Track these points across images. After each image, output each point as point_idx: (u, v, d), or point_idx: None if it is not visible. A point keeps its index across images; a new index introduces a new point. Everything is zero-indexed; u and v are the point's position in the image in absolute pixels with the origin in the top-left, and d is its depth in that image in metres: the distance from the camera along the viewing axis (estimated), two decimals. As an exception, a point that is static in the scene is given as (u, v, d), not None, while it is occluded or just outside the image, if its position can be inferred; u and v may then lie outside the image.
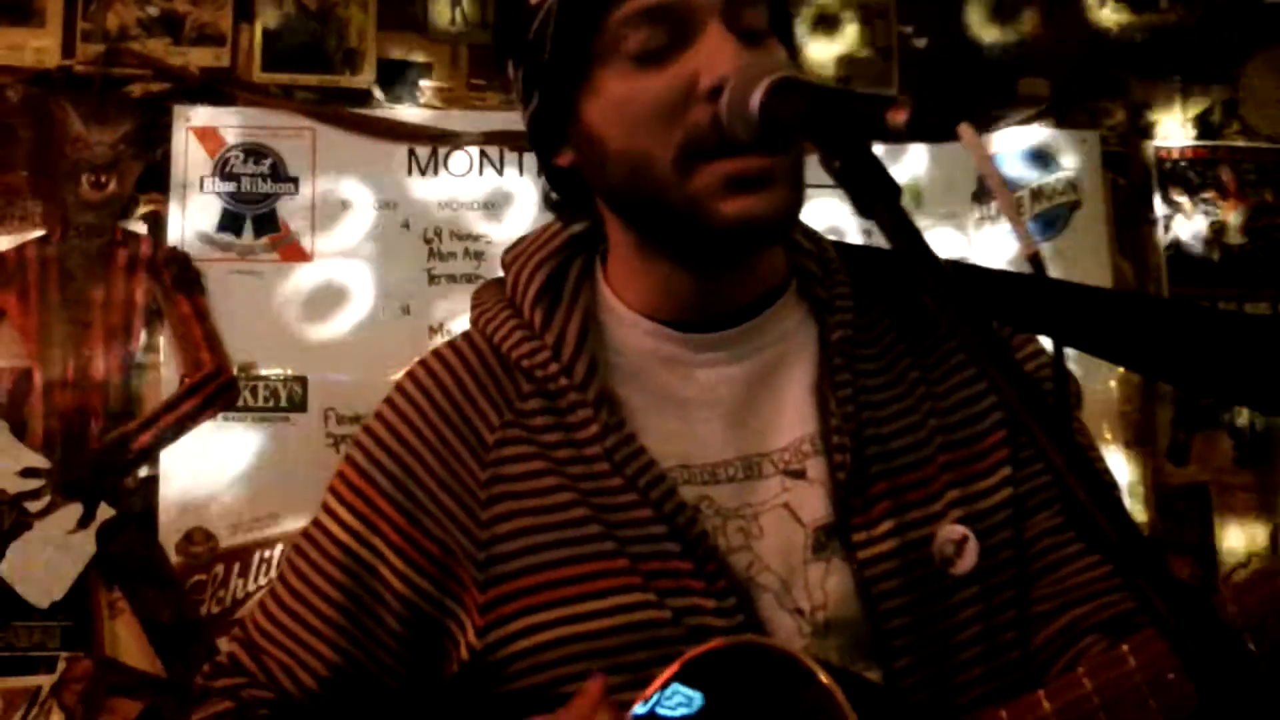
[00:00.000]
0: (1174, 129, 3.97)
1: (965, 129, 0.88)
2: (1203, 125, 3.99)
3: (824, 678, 1.08)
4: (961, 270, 1.34)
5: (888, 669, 1.19)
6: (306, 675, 1.27)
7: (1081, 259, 3.77)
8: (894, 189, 0.93)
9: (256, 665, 1.30)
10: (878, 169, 0.93)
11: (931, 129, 0.90)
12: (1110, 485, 1.30)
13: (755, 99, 1.06)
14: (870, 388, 1.26)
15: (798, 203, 1.18)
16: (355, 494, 1.27)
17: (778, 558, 1.21)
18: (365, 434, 1.30)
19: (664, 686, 1.12)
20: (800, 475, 1.23)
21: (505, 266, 1.34)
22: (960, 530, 1.21)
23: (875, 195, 0.92)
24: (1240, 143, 4.00)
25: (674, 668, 1.12)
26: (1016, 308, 1.28)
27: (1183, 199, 3.91)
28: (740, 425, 1.25)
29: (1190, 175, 3.93)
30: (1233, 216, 3.93)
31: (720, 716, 1.11)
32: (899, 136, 0.91)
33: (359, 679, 1.27)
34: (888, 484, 1.22)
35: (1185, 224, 3.90)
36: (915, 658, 1.19)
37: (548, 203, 1.34)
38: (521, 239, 1.36)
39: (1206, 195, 3.92)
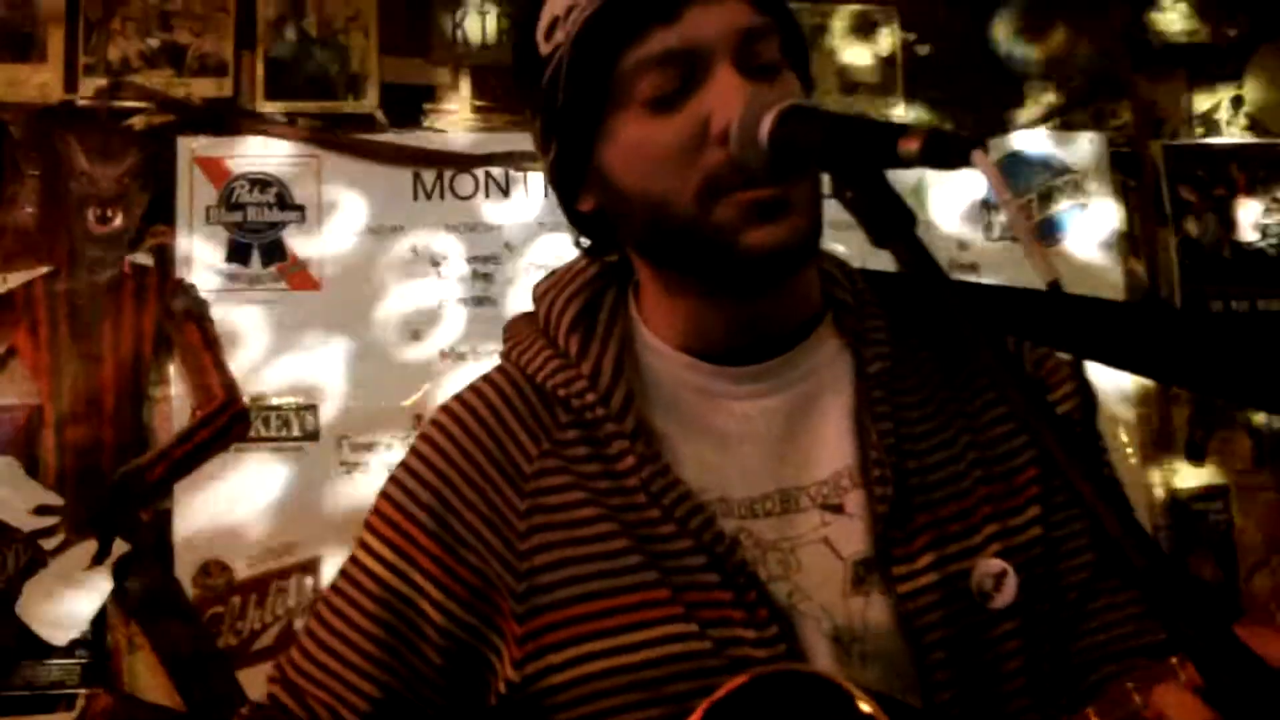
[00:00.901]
0: (1181, 126, 3.95)
1: (980, 156, 0.87)
2: (1210, 123, 3.98)
3: (867, 704, 1.07)
4: (979, 292, 1.33)
5: (929, 702, 1.18)
6: (349, 712, 1.27)
7: (1092, 261, 3.76)
8: (909, 218, 0.92)
9: (298, 704, 1.29)
10: (892, 198, 0.93)
11: (945, 157, 0.89)
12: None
13: (764, 129, 1.05)
14: (910, 420, 1.25)
15: (818, 228, 1.18)
16: (392, 528, 1.27)
17: (817, 590, 1.20)
18: (401, 469, 1.30)
19: (706, 714, 1.11)
20: (839, 510, 1.22)
21: (537, 300, 1.34)
22: (999, 564, 1.21)
23: (890, 225, 0.92)
24: (1249, 139, 3.99)
25: (719, 694, 1.11)
26: (1036, 324, 1.27)
27: (1192, 198, 3.89)
28: (777, 458, 1.24)
29: (1200, 173, 3.91)
30: (1243, 213, 3.91)
31: None
32: (911, 163, 0.90)
33: (401, 713, 1.27)
34: (928, 516, 1.21)
35: (1196, 223, 3.88)
36: (957, 691, 1.18)
37: (577, 246, 1.34)
38: (553, 272, 1.36)
39: (1217, 193, 3.90)
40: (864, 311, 1.29)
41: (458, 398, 1.32)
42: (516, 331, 1.34)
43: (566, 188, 1.27)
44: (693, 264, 1.20)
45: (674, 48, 1.13)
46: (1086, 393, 1.16)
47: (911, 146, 0.90)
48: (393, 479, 1.30)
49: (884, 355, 1.26)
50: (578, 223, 1.31)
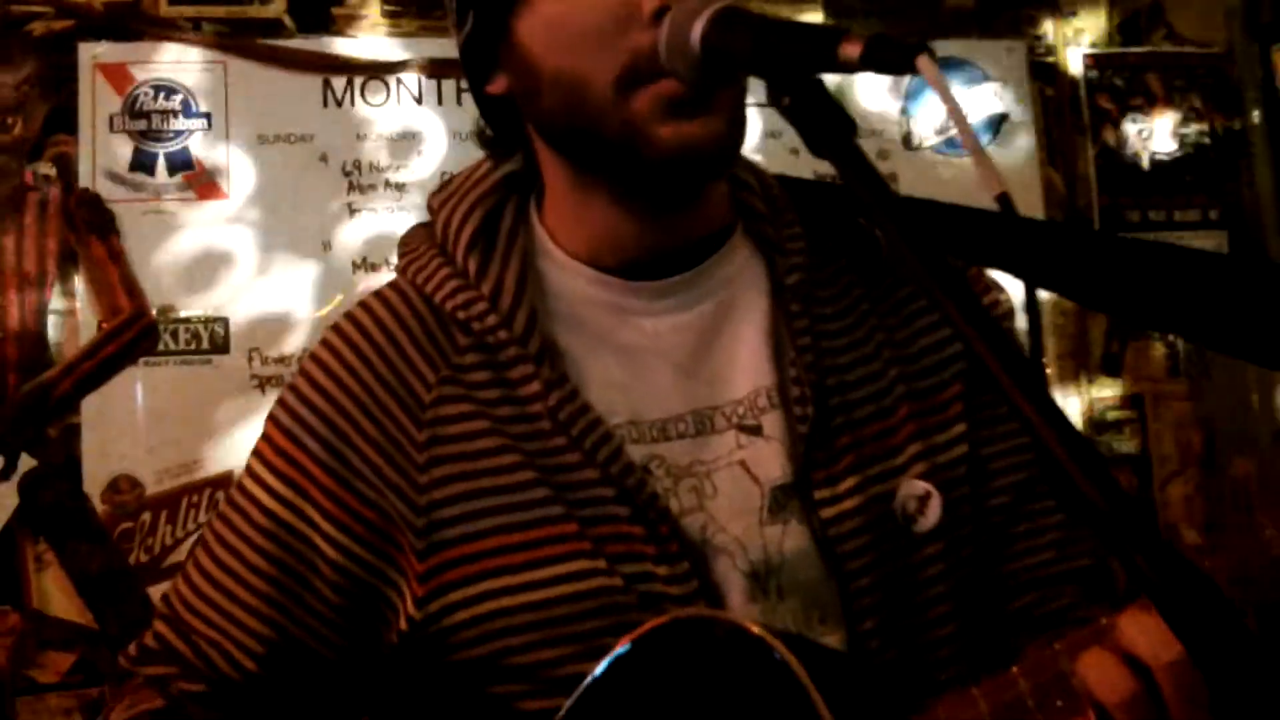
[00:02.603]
0: (1101, 36, 3.94)
1: (924, 62, 0.83)
2: (1130, 32, 3.97)
3: (781, 649, 1.04)
4: (919, 207, 1.28)
5: (852, 631, 1.14)
6: (241, 654, 1.21)
7: (1011, 171, 3.74)
8: (849, 125, 0.88)
9: (187, 646, 1.23)
10: (831, 105, 0.89)
11: (889, 62, 0.85)
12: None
13: (697, 31, 1.00)
14: (829, 334, 1.20)
15: (739, 136, 1.13)
16: (283, 458, 1.20)
17: (733, 519, 1.16)
18: (291, 393, 1.22)
19: (614, 662, 1.07)
20: (756, 431, 1.18)
21: (433, 210, 1.27)
22: (923, 486, 1.17)
23: (829, 132, 0.88)
24: (1168, 48, 3.98)
25: (624, 642, 1.07)
26: (978, 245, 1.23)
27: (1110, 107, 3.89)
28: (691, 376, 1.19)
29: (1118, 83, 3.91)
30: (1161, 124, 3.92)
31: (676, 692, 1.07)
32: (852, 69, 0.87)
33: (295, 653, 1.21)
34: (850, 437, 1.17)
35: (1114, 133, 3.88)
36: (881, 618, 1.14)
37: (480, 137, 1.28)
38: (449, 180, 1.28)
39: (1135, 103, 3.90)
40: (780, 220, 1.24)
41: (349, 316, 1.25)
42: (413, 245, 1.27)
43: (478, 67, 1.21)
44: (603, 158, 1.14)
45: None
46: (1033, 305, 1.13)
47: (853, 51, 0.86)
48: (281, 402, 1.23)
49: (801, 266, 1.21)
50: (486, 108, 1.25)
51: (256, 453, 1.24)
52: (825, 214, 1.26)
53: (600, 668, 1.08)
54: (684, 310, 1.20)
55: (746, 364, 1.20)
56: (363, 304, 1.26)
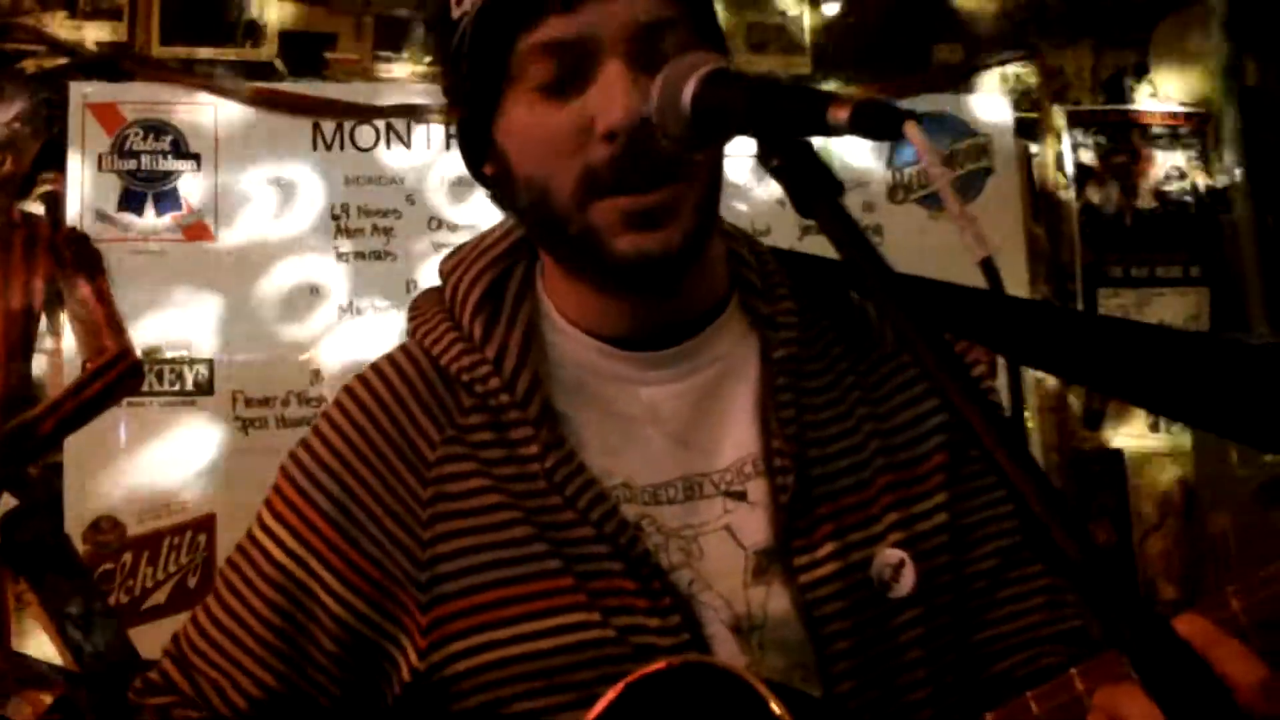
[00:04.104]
0: (1085, 93, 3.98)
1: (912, 128, 0.85)
2: (1114, 89, 4.00)
3: (768, 696, 1.07)
4: (907, 280, 1.30)
5: (829, 691, 1.17)
6: (238, 695, 1.25)
7: (995, 225, 3.77)
8: (836, 187, 0.90)
9: (188, 682, 1.27)
10: (820, 167, 0.90)
11: (876, 127, 0.87)
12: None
13: (688, 91, 1.02)
14: (813, 406, 1.24)
15: (702, 232, 1.16)
16: (292, 512, 1.24)
17: (719, 579, 1.19)
18: (303, 449, 1.26)
19: (608, 708, 1.10)
20: (741, 497, 1.21)
21: (444, 276, 1.31)
22: (898, 554, 1.20)
23: (817, 194, 0.90)
24: (1152, 106, 4.02)
25: (618, 688, 1.10)
26: (964, 320, 1.26)
27: (1094, 164, 3.92)
28: (683, 444, 1.22)
29: (1101, 140, 3.95)
30: (1144, 180, 3.95)
31: None
32: (840, 132, 0.88)
33: (293, 699, 1.25)
34: (830, 506, 1.20)
35: (1097, 190, 3.91)
36: (858, 681, 1.17)
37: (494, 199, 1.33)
38: (460, 247, 1.32)
39: (1118, 160, 3.94)
40: (773, 294, 1.28)
41: (360, 378, 1.29)
42: (422, 310, 1.31)
43: (471, 151, 1.25)
44: (570, 257, 1.19)
45: (563, 38, 1.10)
46: (1015, 379, 1.15)
47: (841, 115, 0.87)
48: (293, 457, 1.27)
49: (790, 340, 1.24)
50: (483, 182, 1.29)
51: (267, 504, 1.28)
52: (817, 286, 1.29)
53: (595, 712, 1.11)
54: (678, 381, 1.24)
55: (735, 433, 1.24)
56: (374, 366, 1.30)
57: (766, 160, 0.92)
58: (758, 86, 0.98)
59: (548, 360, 1.25)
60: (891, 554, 1.20)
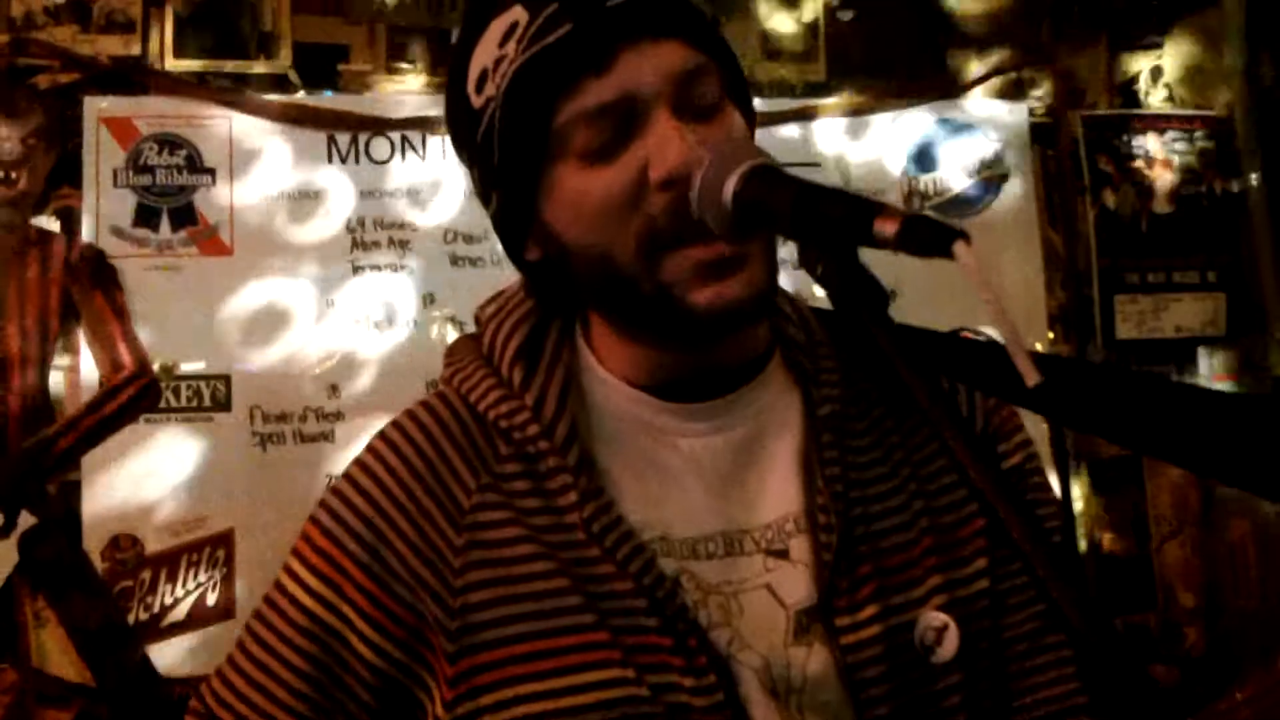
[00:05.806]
0: (1101, 98, 3.97)
1: (962, 249, 0.83)
2: (1129, 94, 3.99)
3: None
4: (950, 343, 1.29)
5: None
6: None
7: (1011, 231, 3.77)
8: (882, 297, 0.89)
9: None
10: (866, 277, 0.89)
11: (923, 244, 0.85)
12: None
13: (729, 187, 1.01)
14: (858, 465, 1.22)
15: (773, 281, 1.13)
16: (322, 558, 1.21)
17: (758, 638, 1.16)
18: (333, 495, 1.23)
19: None
20: (783, 555, 1.19)
21: (480, 323, 1.28)
22: (941, 618, 1.18)
23: (861, 302, 0.88)
24: (1167, 110, 4.01)
25: None
26: (1004, 381, 1.24)
27: (1110, 169, 3.91)
28: (722, 497, 1.20)
29: (1117, 145, 3.94)
30: (1160, 185, 3.94)
31: None
32: (886, 245, 0.87)
33: None
34: (872, 566, 1.18)
35: (1113, 194, 3.90)
36: None
37: (528, 289, 1.30)
38: (498, 295, 1.29)
39: (1134, 164, 3.92)
40: (816, 351, 1.26)
41: (394, 423, 1.26)
42: (459, 356, 1.28)
43: (512, 239, 1.23)
44: (642, 317, 1.16)
45: (608, 101, 1.08)
46: (1060, 448, 1.14)
47: (889, 229, 0.85)
48: (324, 505, 1.23)
49: (834, 398, 1.22)
50: (526, 271, 1.27)
51: (296, 552, 1.25)
52: (859, 346, 1.28)
53: None
54: (719, 433, 1.21)
55: (777, 489, 1.21)
56: (409, 412, 1.27)
57: (810, 265, 0.91)
58: (803, 190, 0.96)
59: (586, 409, 1.23)
60: (935, 617, 1.18)
